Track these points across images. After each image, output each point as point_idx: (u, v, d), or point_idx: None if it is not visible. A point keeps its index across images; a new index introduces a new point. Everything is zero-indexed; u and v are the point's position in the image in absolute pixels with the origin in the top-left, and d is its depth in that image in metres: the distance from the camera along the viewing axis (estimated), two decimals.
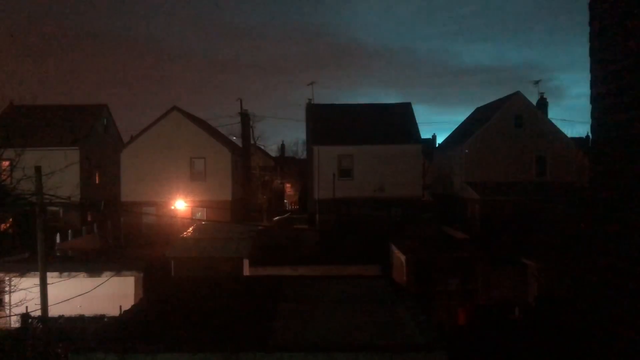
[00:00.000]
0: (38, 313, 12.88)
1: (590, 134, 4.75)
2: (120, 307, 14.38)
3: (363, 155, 30.88)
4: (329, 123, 32.80)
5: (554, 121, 34.81)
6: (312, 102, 36.29)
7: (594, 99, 5.04)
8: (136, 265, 18.88)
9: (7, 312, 16.44)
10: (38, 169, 12.67)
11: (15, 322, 15.81)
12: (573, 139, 35.85)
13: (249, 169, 39.12)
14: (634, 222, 4.11)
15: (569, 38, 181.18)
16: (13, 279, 16.42)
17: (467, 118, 42.55)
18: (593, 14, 5.06)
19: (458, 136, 39.17)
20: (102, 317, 15.37)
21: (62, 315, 15.34)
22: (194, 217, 29.67)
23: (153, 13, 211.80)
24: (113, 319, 12.87)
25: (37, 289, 12.59)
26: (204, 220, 29.01)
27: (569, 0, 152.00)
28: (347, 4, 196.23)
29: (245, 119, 38.91)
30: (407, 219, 29.56)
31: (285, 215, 40.12)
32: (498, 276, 19.69)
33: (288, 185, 58.97)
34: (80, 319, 15.59)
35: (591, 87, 5.02)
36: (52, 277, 14.03)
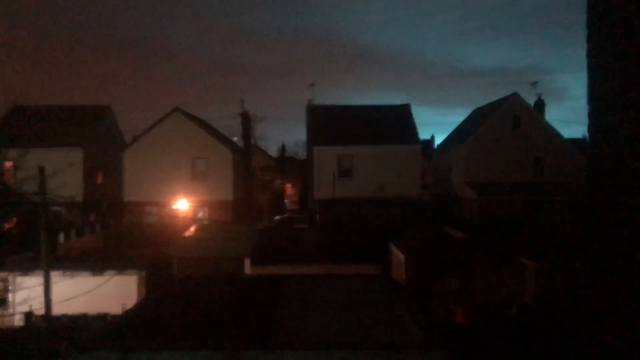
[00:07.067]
0: (41, 312, 13.03)
1: (587, 134, 4.88)
2: (123, 306, 14.55)
3: (363, 155, 31.00)
4: (329, 124, 32.94)
5: (551, 122, 34.98)
6: (313, 103, 36.45)
7: (591, 100, 5.12)
8: (139, 264, 19.02)
9: (11, 310, 16.60)
10: (41, 170, 12.84)
11: (19, 321, 15.95)
12: (570, 139, 35.99)
13: (250, 169, 39.25)
14: (630, 221, 4.20)
15: (573, 39, 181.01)
16: (17, 277, 16.60)
17: (466, 118, 42.66)
18: (590, 15, 5.15)
19: (457, 136, 39.28)
20: (105, 315, 15.51)
21: (66, 313, 15.47)
22: (195, 217, 29.84)
23: (156, 15, 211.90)
24: (116, 317, 13.06)
25: (41, 288, 12.74)
26: (205, 220, 29.22)
27: (572, 1, 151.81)
28: (352, 5, 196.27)
29: (246, 119, 39.00)
30: (406, 218, 29.70)
31: (286, 215, 40.27)
32: (497, 276, 19.81)
33: (288, 185, 59.09)
34: (83, 317, 15.73)
35: (588, 88, 5.09)
36: (55, 276, 14.20)
